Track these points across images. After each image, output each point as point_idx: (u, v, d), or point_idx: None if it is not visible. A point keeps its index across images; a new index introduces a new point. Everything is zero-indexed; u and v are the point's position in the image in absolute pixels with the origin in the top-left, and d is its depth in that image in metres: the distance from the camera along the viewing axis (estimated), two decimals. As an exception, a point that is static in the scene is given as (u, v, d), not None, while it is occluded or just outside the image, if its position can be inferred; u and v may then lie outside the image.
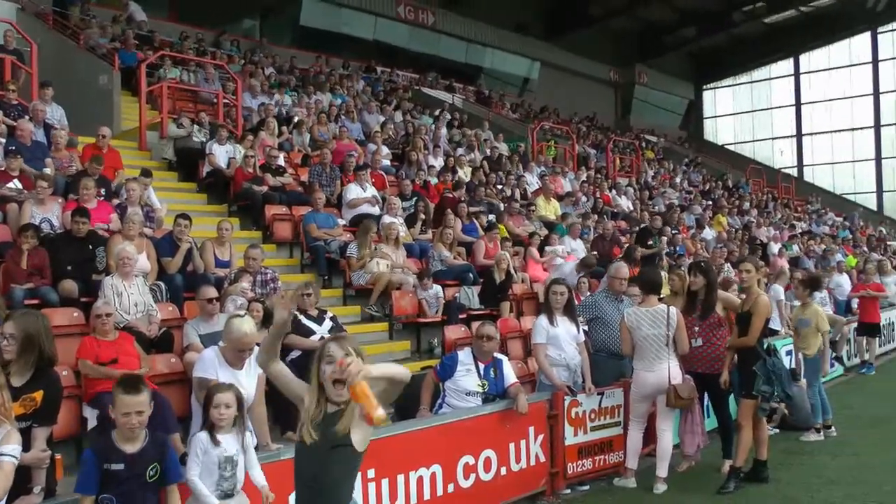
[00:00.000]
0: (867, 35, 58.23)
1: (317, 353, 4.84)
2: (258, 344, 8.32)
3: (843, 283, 23.12)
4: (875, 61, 58.36)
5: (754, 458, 10.29)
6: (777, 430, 12.93)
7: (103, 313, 9.44)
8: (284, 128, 21.44)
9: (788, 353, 14.55)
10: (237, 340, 7.63)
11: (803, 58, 61.30)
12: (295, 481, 4.90)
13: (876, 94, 58.37)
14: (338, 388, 4.70)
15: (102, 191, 13.61)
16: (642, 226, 20.57)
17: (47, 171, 13.72)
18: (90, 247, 11.65)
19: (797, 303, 14.19)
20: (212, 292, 10.46)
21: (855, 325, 19.99)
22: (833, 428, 12.91)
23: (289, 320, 5.21)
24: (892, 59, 57.49)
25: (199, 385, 7.74)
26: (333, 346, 4.77)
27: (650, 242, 19.65)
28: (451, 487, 8.30)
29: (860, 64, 59.02)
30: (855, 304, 21.26)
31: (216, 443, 6.10)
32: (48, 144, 15.26)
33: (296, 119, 22.44)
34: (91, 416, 8.96)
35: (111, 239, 11.87)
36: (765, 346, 10.31)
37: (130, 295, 10.68)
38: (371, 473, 7.49)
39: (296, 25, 38.42)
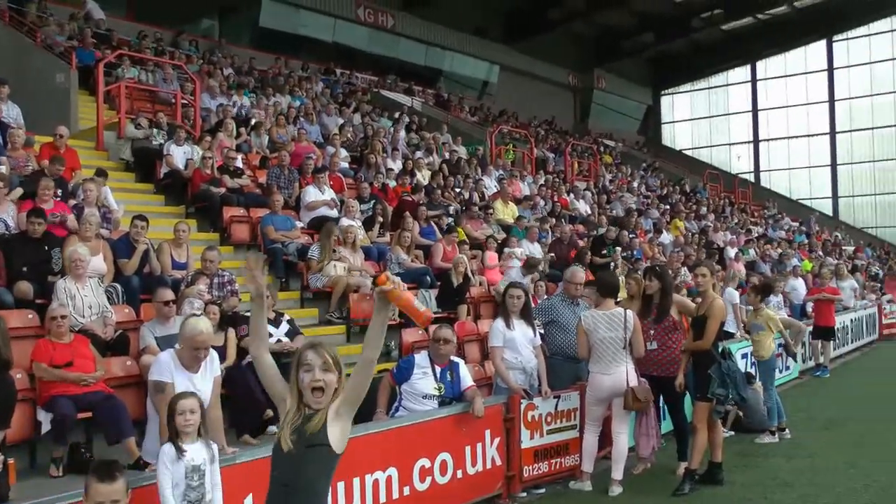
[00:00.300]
0: (822, 43, 58.99)
1: (294, 361, 4.82)
2: (215, 347, 8.34)
3: (799, 287, 23.37)
4: (830, 69, 59.09)
5: (709, 460, 10.33)
6: (732, 433, 13.03)
7: (58, 315, 9.41)
8: (243, 129, 21.36)
9: (744, 356, 14.69)
10: (191, 339, 7.60)
11: (760, 65, 61.94)
12: (269, 482, 4.88)
13: (831, 101, 59.09)
14: (316, 395, 4.69)
15: (59, 191, 13.51)
16: (597, 234, 20.63)
17: (2, 169, 13.62)
18: (46, 248, 11.56)
19: (751, 308, 14.30)
20: (168, 294, 10.44)
21: (810, 328, 20.16)
22: (787, 430, 13.00)
23: (264, 288, 5.14)
24: (847, 67, 58.25)
25: (154, 388, 7.72)
26: (310, 353, 4.74)
27: (604, 252, 19.74)
28: (406, 490, 8.29)
29: (816, 72, 59.71)
30: (810, 307, 21.45)
31: (182, 452, 6.05)
32: (4, 143, 15.15)
33: (254, 121, 22.36)
34: (45, 419, 8.89)
35: (66, 240, 11.79)
36: (720, 349, 10.39)
37: (84, 297, 10.63)
38: (327, 476, 7.46)
39: (255, 26, 38.23)
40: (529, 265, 16.93)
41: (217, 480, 6.22)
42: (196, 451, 6.09)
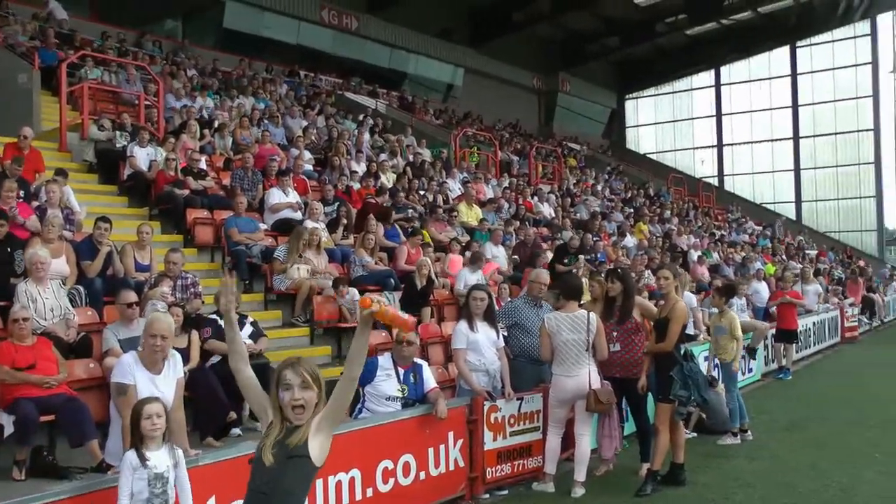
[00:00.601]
0: (786, 49, 59.50)
1: (273, 379, 4.84)
2: (178, 349, 8.34)
3: (762, 290, 23.47)
4: (794, 74, 59.56)
5: (671, 461, 10.39)
6: (695, 435, 13.10)
7: (20, 318, 9.35)
8: (206, 131, 21.27)
9: (706, 358, 14.77)
10: (148, 325, 7.67)
11: (724, 69, 62.39)
12: (247, 491, 4.89)
13: (795, 106, 59.60)
14: (297, 412, 4.72)
15: (21, 192, 13.43)
16: (561, 243, 20.67)
17: (-37, 171, 13.56)
18: (8, 250, 11.51)
19: (714, 310, 14.38)
20: (131, 297, 10.38)
21: (773, 331, 20.31)
22: (750, 432, 13.07)
23: (228, 305, 5.36)
24: (810, 72, 58.73)
25: (116, 390, 7.70)
26: (289, 372, 4.76)
27: (566, 261, 19.79)
28: (369, 492, 8.29)
29: (779, 77, 60.20)
30: (773, 310, 21.59)
31: (145, 460, 6.03)
32: (-35, 145, 15.06)
33: (217, 122, 22.28)
34: (7, 422, 8.83)
35: (28, 242, 11.72)
36: (682, 351, 10.46)
37: (46, 300, 10.58)
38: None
39: (219, 28, 38.11)
40: (474, 260, 17.02)
41: (185, 484, 6.20)
42: (159, 458, 6.05)
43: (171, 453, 6.16)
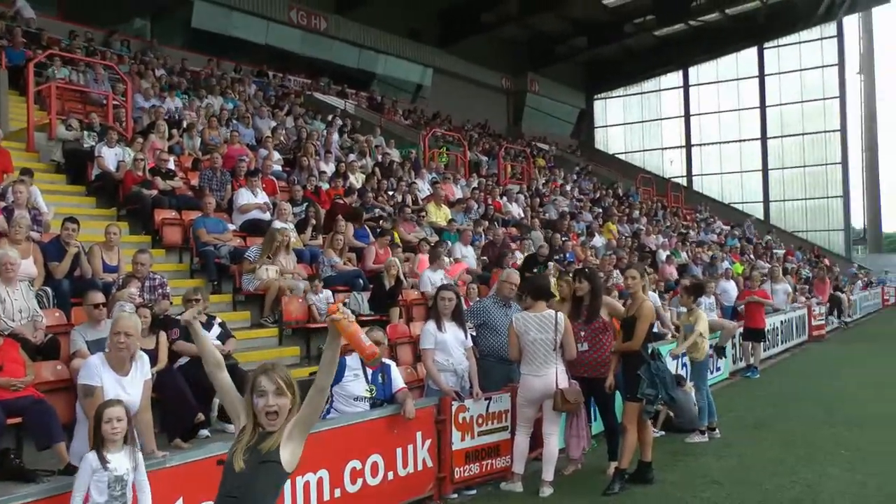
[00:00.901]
0: (753, 50, 59.98)
1: (248, 385, 4.85)
2: (146, 350, 8.32)
3: (730, 289, 23.65)
4: (761, 75, 60.01)
5: (639, 459, 10.46)
6: (663, 433, 13.20)
7: (-12, 319, 9.31)
8: (175, 131, 21.16)
9: (675, 357, 14.86)
10: (113, 323, 7.68)
11: (692, 70, 62.84)
12: (217, 495, 4.89)
13: (762, 107, 60.13)
14: (270, 418, 4.76)
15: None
16: (529, 253, 20.69)
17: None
18: (-25, 251, 11.43)
19: (682, 309, 14.47)
20: (98, 297, 10.33)
21: (741, 330, 20.45)
22: (717, 430, 13.16)
23: (189, 320, 5.54)
24: (778, 73, 59.22)
25: (83, 392, 7.67)
26: (264, 379, 4.78)
27: (535, 270, 19.84)
28: (337, 492, 8.29)
29: (747, 78, 60.65)
30: (742, 309, 21.72)
31: (105, 462, 6.02)
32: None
33: (186, 122, 22.20)
34: (-26, 425, 8.77)
35: (-4, 243, 11.66)
36: (649, 350, 10.52)
37: (14, 301, 10.51)
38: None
39: (188, 27, 37.97)
40: (432, 258, 17.06)
41: (144, 486, 6.21)
42: (119, 461, 6.08)
43: (132, 456, 6.18)
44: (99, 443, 6.12)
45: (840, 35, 58.21)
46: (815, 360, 23.58)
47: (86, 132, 18.44)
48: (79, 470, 6.06)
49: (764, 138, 60.48)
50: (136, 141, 18.38)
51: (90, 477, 5.97)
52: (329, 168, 23.17)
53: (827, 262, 46.10)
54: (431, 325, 10.54)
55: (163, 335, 10.84)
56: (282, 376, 4.80)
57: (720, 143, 62.35)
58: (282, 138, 24.85)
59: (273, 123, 26.26)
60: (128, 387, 7.52)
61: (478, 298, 14.55)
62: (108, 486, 5.97)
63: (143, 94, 23.24)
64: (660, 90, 65.06)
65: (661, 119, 64.92)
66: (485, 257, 20.00)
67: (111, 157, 17.47)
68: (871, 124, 64.90)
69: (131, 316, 8.00)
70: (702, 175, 62.99)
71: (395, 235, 18.46)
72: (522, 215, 27.41)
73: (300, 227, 17.65)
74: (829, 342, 28.63)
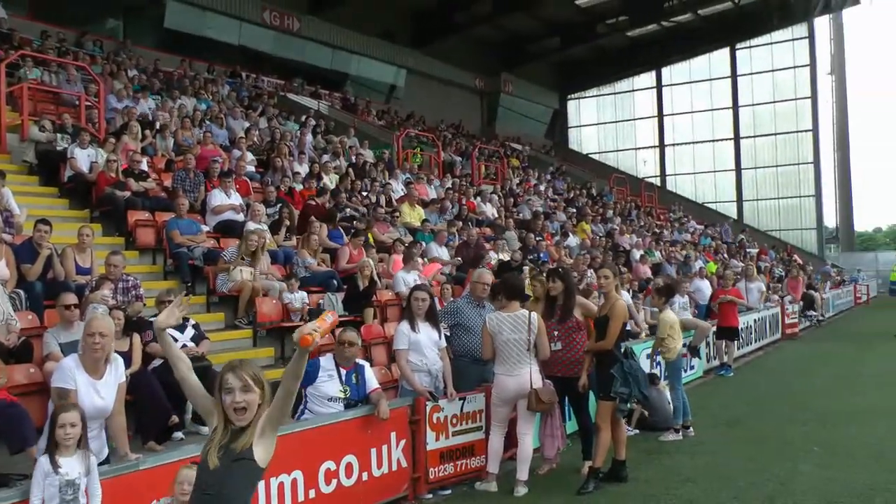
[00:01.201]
0: (726, 51, 60.31)
1: (217, 383, 4.86)
2: (120, 352, 8.30)
3: (704, 288, 23.74)
4: (734, 76, 60.32)
5: (613, 458, 10.51)
6: (637, 431, 13.28)
7: (-39, 322, 9.27)
8: (148, 132, 21.05)
9: (648, 356, 14.92)
10: (87, 324, 7.64)
11: (665, 71, 63.05)
12: (192, 493, 4.91)
13: (735, 107, 60.44)
14: (239, 414, 4.76)
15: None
16: (503, 261, 20.71)
17: None
18: (-52, 254, 11.39)
19: (656, 309, 14.54)
20: (71, 298, 10.28)
21: (714, 328, 20.53)
22: (691, 428, 13.21)
23: (162, 326, 5.39)
24: (750, 74, 59.57)
25: (57, 395, 7.64)
26: (230, 376, 4.79)
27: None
28: (312, 493, 8.30)
29: (720, 78, 60.94)
30: (716, 308, 21.82)
31: (57, 466, 6.03)
32: None
33: (159, 123, 22.10)
34: (-53, 428, 8.72)
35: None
36: (622, 349, 10.56)
37: (-13, 303, 10.47)
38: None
39: (160, 27, 37.76)
40: (406, 259, 17.08)
41: (95, 491, 6.21)
42: (71, 465, 6.09)
43: (84, 461, 6.19)
44: (52, 447, 6.14)
45: (811, 36, 58.59)
46: (789, 358, 23.71)
47: (58, 133, 18.32)
48: (33, 475, 6.07)
49: (737, 138, 60.76)
50: (108, 142, 18.29)
51: (43, 480, 5.99)
52: (303, 169, 23.16)
53: (799, 260, 46.33)
54: (405, 325, 10.54)
55: (136, 337, 10.79)
56: (248, 373, 4.82)
57: (693, 143, 62.60)
58: (255, 139, 24.76)
59: (246, 124, 26.20)
60: (102, 390, 7.49)
61: (452, 299, 14.57)
62: (59, 491, 5.98)
63: (116, 95, 23.13)
64: (633, 90, 65.27)
65: (634, 119, 65.13)
66: (459, 258, 19.99)
67: (84, 158, 17.39)
68: (843, 124, 65.41)
69: (105, 317, 7.99)
70: (675, 175, 63.21)
71: (369, 236, 18.45)
72: (496, 215, 27.41)
73: (274, 228, 17.61)
74: (802, 340, 28.74)
